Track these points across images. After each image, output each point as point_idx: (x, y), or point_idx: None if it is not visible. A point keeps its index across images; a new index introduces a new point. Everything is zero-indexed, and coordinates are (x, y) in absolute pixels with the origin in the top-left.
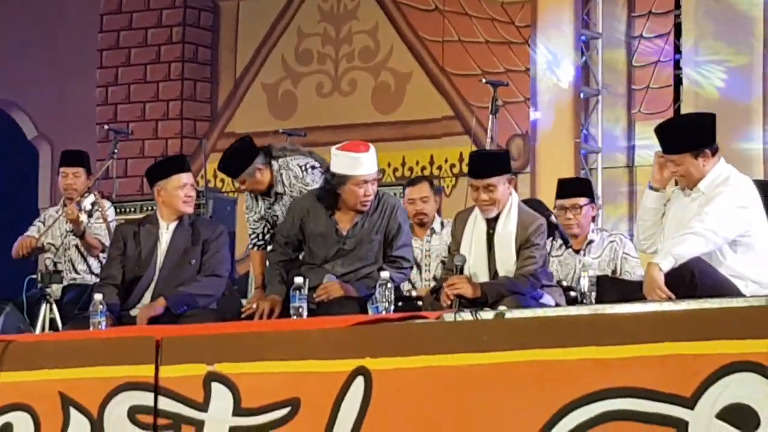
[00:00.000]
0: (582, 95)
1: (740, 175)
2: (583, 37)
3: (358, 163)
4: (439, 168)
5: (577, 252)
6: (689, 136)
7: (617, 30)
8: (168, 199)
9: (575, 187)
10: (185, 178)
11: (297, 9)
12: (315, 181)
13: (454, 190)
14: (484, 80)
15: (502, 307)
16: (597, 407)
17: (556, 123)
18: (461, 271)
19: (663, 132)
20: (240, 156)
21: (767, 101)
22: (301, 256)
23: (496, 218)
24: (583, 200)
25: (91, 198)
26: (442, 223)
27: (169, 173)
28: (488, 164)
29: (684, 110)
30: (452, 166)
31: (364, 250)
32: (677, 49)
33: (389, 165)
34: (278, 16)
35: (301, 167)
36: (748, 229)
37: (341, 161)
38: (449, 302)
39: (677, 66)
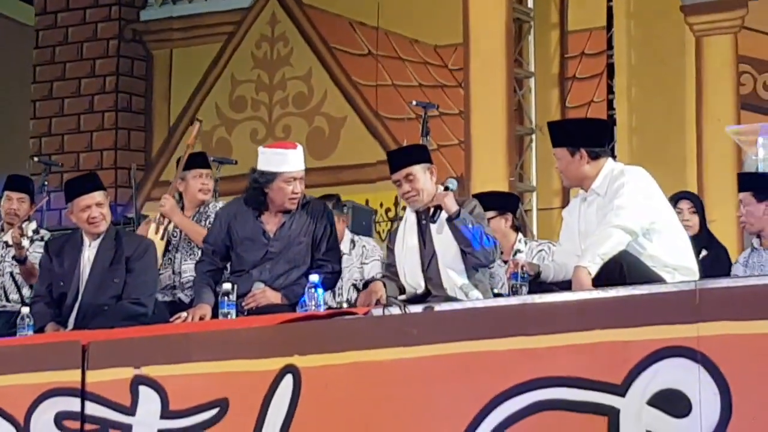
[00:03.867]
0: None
1: (633, 167)
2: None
3: (286, 160)
4: (375, 212)
5: (505, 262)
6: (570, 133)
7: (550, 71)
8: (76, 221)
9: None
10: (88, 199)
11: (230, 56)
12: None
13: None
14: (414, 102)
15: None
16: (528, 397)
17: (491, 163)
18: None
19: (551, 126)
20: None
21: (700, 143)
22: (228, 266)
23: (428, 211)
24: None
25: (33, 225)
26: (352, 241)
27: (73, 195)
28: (404, 155)
29: (619, 150)
30: (387, 210)
31: (291, 252)
32: (610, 90)
33: None
34: (211, 64)
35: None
36: (657, 216)
37: (268, 158)
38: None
39: (611, 106)
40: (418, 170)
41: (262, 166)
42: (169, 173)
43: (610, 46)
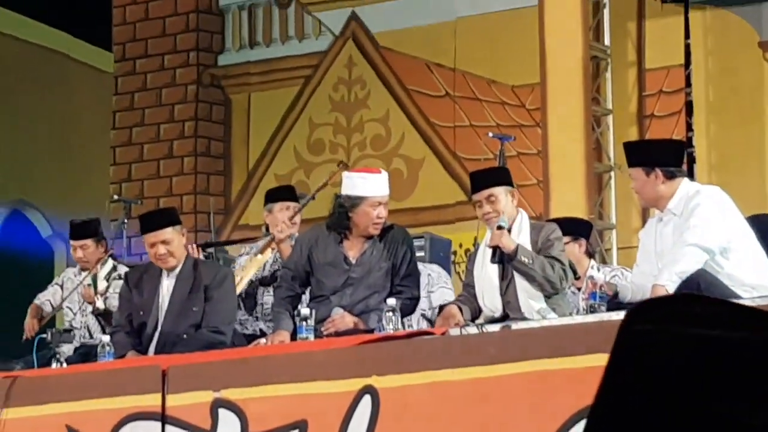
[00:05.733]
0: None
1: (709, 186)
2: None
3: (372, 184)
4: (454, 253)
5: (579, 289)
6: (645, 153)
7: (628, 109)
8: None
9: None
10: (152, 237)
11: (308, 99)
12: None
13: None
14: (490, 134)
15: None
16: None
17: (570, 202)
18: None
19: (627, 146)
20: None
21: None
22: (307, 292)
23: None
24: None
25: (107, 267)
26: None
27: (143, 230)
28: (487, 177)
29: None
30: (467, 251)
31: (372, 278)
32: (689, 127)
33: None
34: (289, 107)
35: None
36: (734, 234)
37: (354, 183)
38: None
39: (690, 144)
40: (500, 192)
41: (347, 190)
42: (248, 217)
43: (688, 84)
